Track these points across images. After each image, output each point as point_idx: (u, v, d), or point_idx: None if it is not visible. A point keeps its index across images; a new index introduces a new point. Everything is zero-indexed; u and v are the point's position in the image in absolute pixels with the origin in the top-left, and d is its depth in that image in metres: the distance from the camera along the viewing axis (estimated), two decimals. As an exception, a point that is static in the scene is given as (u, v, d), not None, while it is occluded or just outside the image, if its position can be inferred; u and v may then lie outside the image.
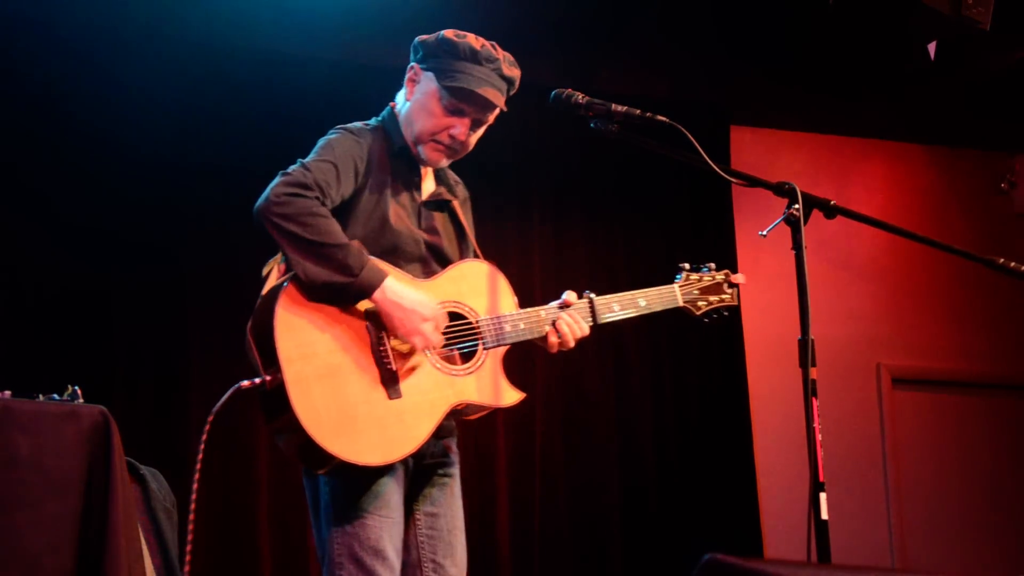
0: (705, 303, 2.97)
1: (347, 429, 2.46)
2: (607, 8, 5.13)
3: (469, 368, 2.65)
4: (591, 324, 2.79)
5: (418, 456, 2.65)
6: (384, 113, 2.83)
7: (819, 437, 2.21)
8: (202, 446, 2.46)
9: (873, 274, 6.49)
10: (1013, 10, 4.21)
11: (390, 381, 2.53)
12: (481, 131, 2.78)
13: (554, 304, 2.77)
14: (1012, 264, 2.48)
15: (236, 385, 2.47)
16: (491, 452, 5.25)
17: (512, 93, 2.77)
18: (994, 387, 6.61)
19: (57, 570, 2.52)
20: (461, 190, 2.93)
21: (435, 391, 2.59)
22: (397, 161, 2.75)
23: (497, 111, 2.74)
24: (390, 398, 2.52)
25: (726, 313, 3.01)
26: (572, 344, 2.75)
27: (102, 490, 2.58)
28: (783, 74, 5.74)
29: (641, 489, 5.54)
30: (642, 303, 2.87)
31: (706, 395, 5.79)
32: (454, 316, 2.66)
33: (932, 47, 3.99)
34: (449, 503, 2.74)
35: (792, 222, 2.35)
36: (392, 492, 2.58)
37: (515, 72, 2.74)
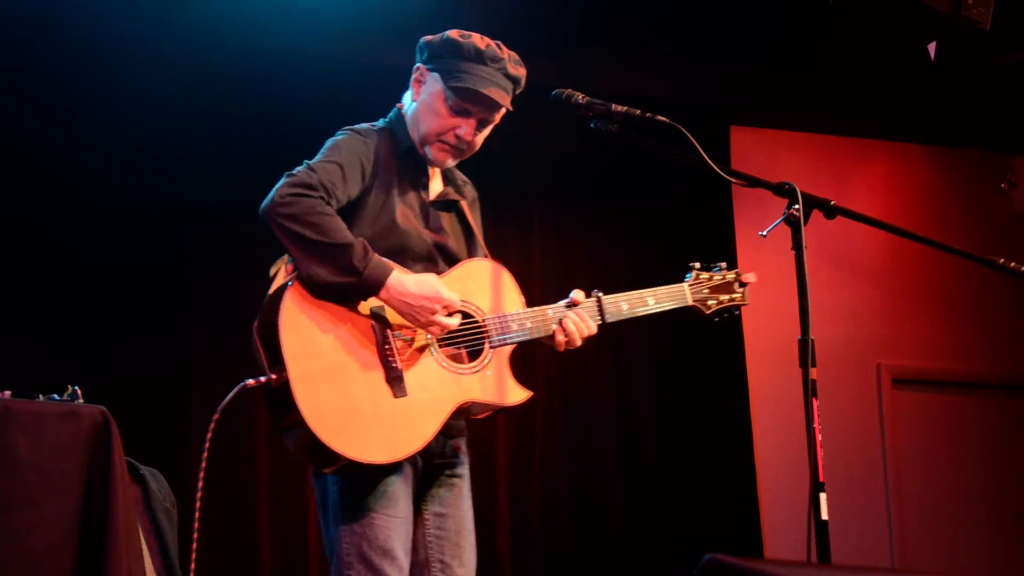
0: (715, 302, 2.96)
1: (352, 427, 2.46)
2: (607, 8, 5.13)
3: (475, 367, 2.65)
4: (599, 323, 2.78)
5: (427, 456, 2.65)
6: (391, 114, 2.84)
7: (819, 437, 2.21)
8: (207, 444, 2.47)
9: (873, 274, 6.49)
10: (1013, 10, 4.21)
11: (395, 380, 2.53)
12: (487, 131, 2.79)
13: (561, 303, 2.77)
14: (1012, 264, 2.49)
15: (242, 383, 2.48)
16: (491, 452, 5.25)
17: (518, 92, 2.77)
18: (994, 387, 6.61)
19: (57, 570, 2.52)
20: (469, 190, 2.94)
21: (441, 389, 2.59)
22: (404, 162, 2.75)
23: (503, 111, 2.74)
24: (396, 396, 2.53)
25: (736, 312, 3.00)
26: (579, 343, 2.75)
27: (102, 490, 2.58)
28: (783, 74, 5.75)
29: (641, 489, 5.54)
30: (651, 302, 2.87)
31: (706, 395, 5.79)
32: (461, 315, 2.66)
33: (932, 47, 3.99)
34: (458, 503, 2.75)
35: (792, 222, 2.35)
36: (400, 491, 2.58)
37: (520, 71, 2.74)
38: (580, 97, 2.55)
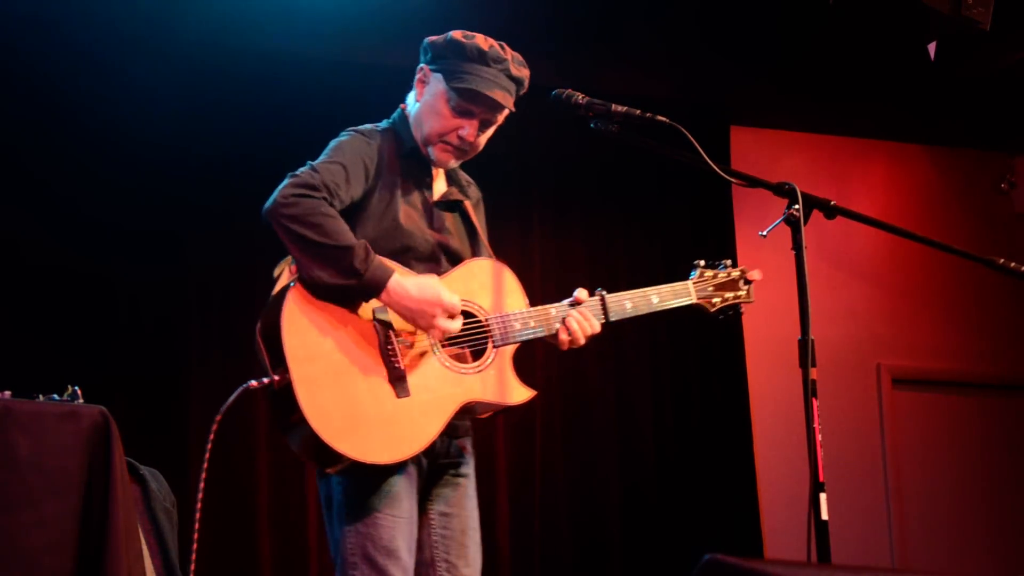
0: (720, 299, 2.94)
1: (355, 428, 2.46)
2: (607, 8, 5.13)
3: (478, 366, 2.65)
4: (603, 321, 2.78)
5: (433, 456, 2.66)
6: (395, 115, 2.84)
7: (819, 437, 2.21)
8: (209, 446, 2.47)
9: (873, 274, 6.49)
10: (1013, 10, 4.21)
11: (398, 380, 2.53)
12: (490, 132, 2.79)
13: (565, 301, 2.77)
14: (1012, 264, 2.48)
15: (244, 385, 2.48)
16: (491, 452, 5.25)
17: (522, 93, 2.77)
18: (994, 387, 6.61)
19: (57, 570, 2.52)
20: (474, 191, 2.94)
21: (443, 389, 2.59)
22: (407, 162, 2.76)
23: (506, 112, 2.74)
24: (398, 397, 2.53)
25: (742, 310, 2.99)
26: (583, 341, 2.74)
27: (102, 490, 2.58)
28: (783, 74, 5.74)
29: (641, 489, 5.54)
30: (655, 300, 2.85)
31: (706, 395, 5.79)
32: (463, 314, 2.66)
33: (932, 47, 3.99)
34: (463, 503, 2.75)
35: (792, 222, 2.35)
36: (405, 491, 2.58)
37: (524, 72, 2.74)
38: (580, 97, 2.55)
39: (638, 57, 5.56)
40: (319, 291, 2.50)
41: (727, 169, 2.46)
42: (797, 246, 2.33)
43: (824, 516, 2.18)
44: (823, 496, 2.20)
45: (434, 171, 2.82)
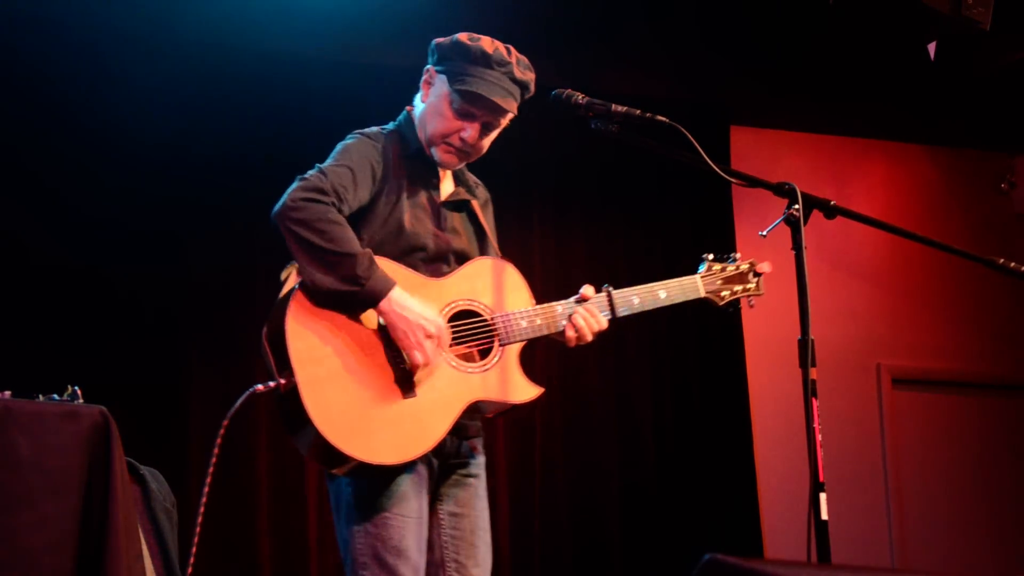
0: (729, 292, 2.93)
1: (362, 429, 2.46)
2: (607, 8, 5.13)
3: (484, 365, 2.65)
4: (610, 318, 2.77)
5: (443, 456, 2.67)
6: (400, 117, 2.85)
7: (819, 437, 2.21)
8: (216, 450, 2.47)
9: (873, 274, 6.49)
10: (1013, 10, 4.21)
11: (404, 381, 2.54)
12: (494, 134, 2.79)
13: (571, 299, 2.77)
14: (1012, 264, 2.49)
15: (251, 389, 2.49)
16: (491, 452, 5.24)
17: (527, 96, 2.77)
18: (994, 387, 6.61)
19: (57, 570, 2.52)
20: (482, 191, 2.94)
21: (450, 389, 2.59)
22: (413, 163, 2.76)
23: (509, 115, 2.75)
24: (404, 397, 2.53)
25: (751, 304, 2.97)
26: (590, 338, 2.75)
27: (102, 490, 2.58)
28: (783, 74, 5.74)
29: (641, 489, 5.54)
30: (662, 295, 2.85)
31: (706, 395, 5.79)
32: (469, 313, 2.67)
33: (932, 47, 3.99)
34: (473, 503, 2.75)
35: (792, 222, 2.35)
36: (414, 492, 2.58)
37: (529, 76, 2.74)
38: (580, 97, 2.55)
39: (638, 57, 5.56)
40: (319, 296, 2.51)
41: (727, 169, 2.46)
42: (797, 246, 2.33)
43: (824, 516, 2.18)
44: (823, 496, 2.20)
45: (441, 172, 2.82)
